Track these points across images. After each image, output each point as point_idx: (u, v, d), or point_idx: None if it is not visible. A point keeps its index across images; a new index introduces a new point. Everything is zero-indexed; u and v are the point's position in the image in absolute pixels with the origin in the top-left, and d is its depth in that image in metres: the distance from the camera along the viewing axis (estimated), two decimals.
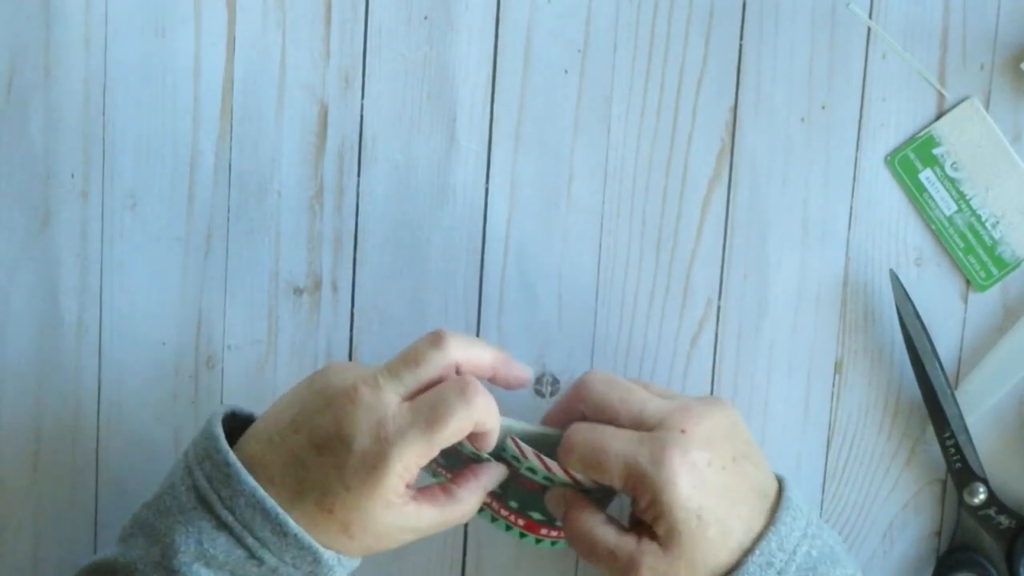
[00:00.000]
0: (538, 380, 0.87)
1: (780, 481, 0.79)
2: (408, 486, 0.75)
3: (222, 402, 0.88)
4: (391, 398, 0.74)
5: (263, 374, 0.88)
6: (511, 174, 0.86)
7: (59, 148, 0.87)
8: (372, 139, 0.86)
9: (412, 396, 0.75)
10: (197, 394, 0.88)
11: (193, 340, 0.88)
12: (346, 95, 0.86)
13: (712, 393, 0.86)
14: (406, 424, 0.73)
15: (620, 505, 0.84)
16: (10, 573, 0.89)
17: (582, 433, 0.77)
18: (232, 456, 0.75)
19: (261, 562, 0.75)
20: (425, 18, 0.86)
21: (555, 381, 0.87)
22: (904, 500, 0.87)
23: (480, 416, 0.75)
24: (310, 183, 0.87)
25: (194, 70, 0.86)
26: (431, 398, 0.74)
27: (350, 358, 0.87)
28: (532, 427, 0.80)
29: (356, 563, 0.78)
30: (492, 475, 0.79)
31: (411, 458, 0.73)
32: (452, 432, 0.74)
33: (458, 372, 0.76)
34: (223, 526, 0.74)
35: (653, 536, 0.76)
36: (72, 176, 0.87)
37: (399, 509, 0.75)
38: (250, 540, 0.74)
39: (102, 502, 0.89)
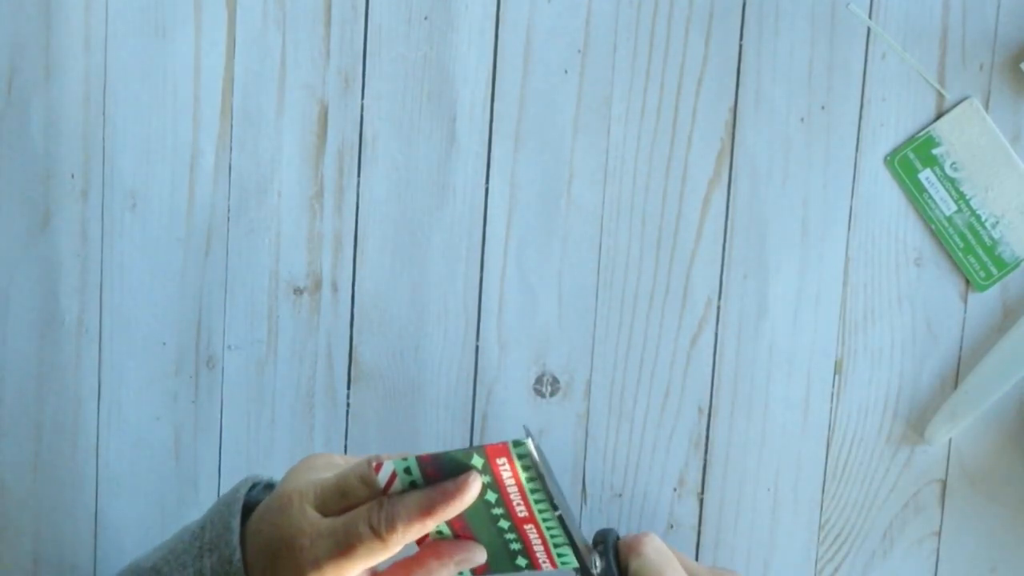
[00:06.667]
0: (538, 380, 0.87)
1: None
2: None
3: (222, 402, 0.88)
4: (313, 515, 0.74)
5: (263, 374, 0.88)
6: (511, 174, 0.86)
7: (59, 148, 0.87)
8: (372, 139, 0.86)
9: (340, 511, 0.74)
10: (197, 394, 0.88)
11: (193, 340, 0.88)
12: (346, 95, 0.86)
13: (712, 393, 0.86)
14: (320, 550, 0.72)
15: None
16: (10, 573, 0.89)
17: (655, 549, 0.79)
18: (238, 555, 0.74)
19: None
20: (425, 18, 0.86)
21: (555, 381, 0.87)
22: (904, 500, 0.87)
23: (395, 550, 0.72)
24: (310, 183, 0.87)
25: (194, 70, 0.86)
26: (346, 523, 0.73)
27: (350, 358, 0.87)
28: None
29: None
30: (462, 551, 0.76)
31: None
32: (361, 562, 0.72)
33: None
34: None
35: None
36: (72, 176, 0.87)
37: None
38: None
39: (102, 502, 0.89)
